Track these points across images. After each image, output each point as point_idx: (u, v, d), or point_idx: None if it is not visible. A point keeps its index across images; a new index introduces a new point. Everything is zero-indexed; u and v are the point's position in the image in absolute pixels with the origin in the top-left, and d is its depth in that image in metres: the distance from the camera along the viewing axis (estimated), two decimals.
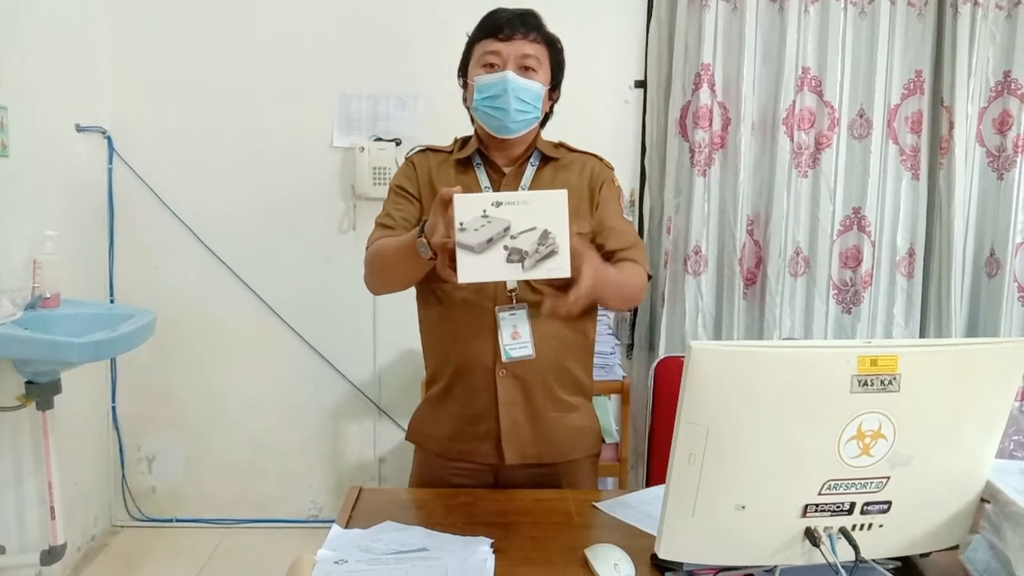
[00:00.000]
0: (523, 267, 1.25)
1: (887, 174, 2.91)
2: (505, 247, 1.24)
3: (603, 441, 1.72)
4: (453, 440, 1.59)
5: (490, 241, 1.23)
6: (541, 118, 1.60)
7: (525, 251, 1.24)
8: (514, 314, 1.50)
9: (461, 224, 1.23)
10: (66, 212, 2.71)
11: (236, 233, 3.01)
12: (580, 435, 1.63)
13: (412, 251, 1.36)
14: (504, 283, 1.49)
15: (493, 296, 1.51)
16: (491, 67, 1.53)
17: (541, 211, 1.25)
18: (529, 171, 1.59)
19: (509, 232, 1.24)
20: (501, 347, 1.49)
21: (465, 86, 1.61)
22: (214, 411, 3.10)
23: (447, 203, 1.25)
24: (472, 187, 1.55)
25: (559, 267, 1.25)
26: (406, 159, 1.67)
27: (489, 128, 1.56)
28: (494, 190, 1.55)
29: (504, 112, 1.51)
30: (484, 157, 1.60)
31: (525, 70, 1.53)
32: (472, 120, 1.63)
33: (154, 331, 2.42)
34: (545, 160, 1.61)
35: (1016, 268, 2.86)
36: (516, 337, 1.49)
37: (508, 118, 1.52)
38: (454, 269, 1.25)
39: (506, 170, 1.60)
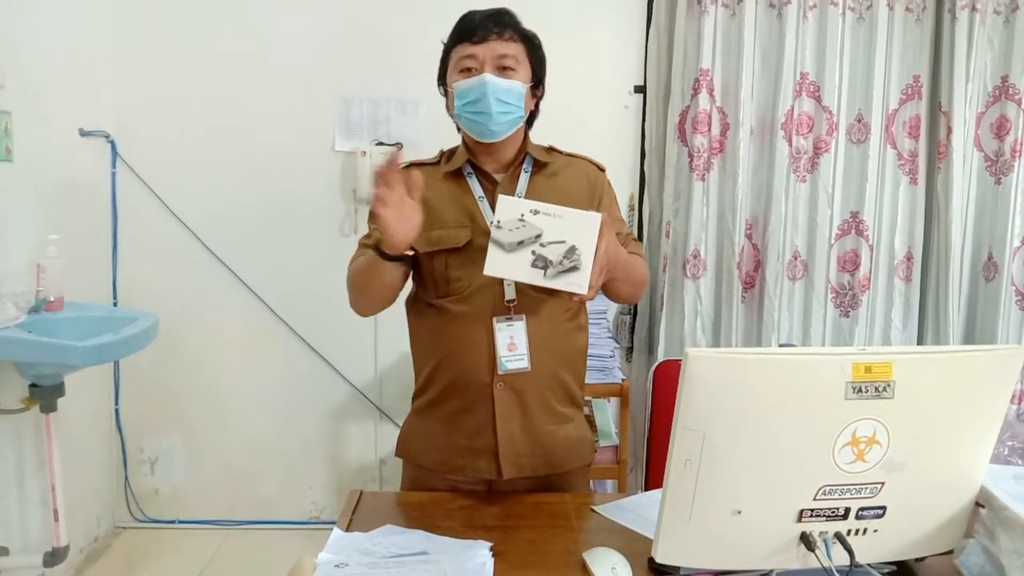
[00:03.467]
0: (545, 274, 1.32)
1: (885, 179, 2.92)
2: (533, 252, 1.32)
3: (595, 450, 1.70)
4: (448, 454, 1.55)
5: (520, 243, 1.32)
6: (526, 117, 1.56)
7: (550, 260, 1.32)
8: (511, 325, 1.48)
9: (498, 222, 1.32)
10: (69, 216, 2.72)
11: (238, 236, 3.02)
12: (574, 446, 1.61)
13: (372, 258, 1.43)
14: (502, 293, 1.49)
15: (491, 306, 1.48)
16: (468, 71, 1.50)
17: (574, 228, 1.32)
18: (523, 178, 1.55)
19: (540, 240, 1.31)
20: (497, 358, 1.48)
21: (446, 94, 1.57)
22: (216, 413, 3.12)
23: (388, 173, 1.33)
24: (465, 198, 1.53)
25: (578, 283, 1.32)
26: None
27: (473, 133, 1.53)
28: (488, 200, 1.52)
29: (486, 116, 1.48)
30: (475, 167, 1.57)
31: (503, 70, 1.50)
32: (459, 129, 1.60)
33: (157, 334, 2.43)
34: (537, 165, 1.58)
35: (1014, 272, 2.87)
36: (512, 349, 1.48)
37: (490, 121, 1.48)
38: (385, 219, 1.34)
39: (498, 177, 1.56)
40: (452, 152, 1.61)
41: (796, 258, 2.95)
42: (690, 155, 2.89)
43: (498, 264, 1.32)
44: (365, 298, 1.55)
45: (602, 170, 1.65)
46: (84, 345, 2.10)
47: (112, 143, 2.95)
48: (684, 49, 2.87)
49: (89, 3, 2.82)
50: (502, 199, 1.35)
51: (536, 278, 1.32)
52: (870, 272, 2.95)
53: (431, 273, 1.53)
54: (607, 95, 3.00)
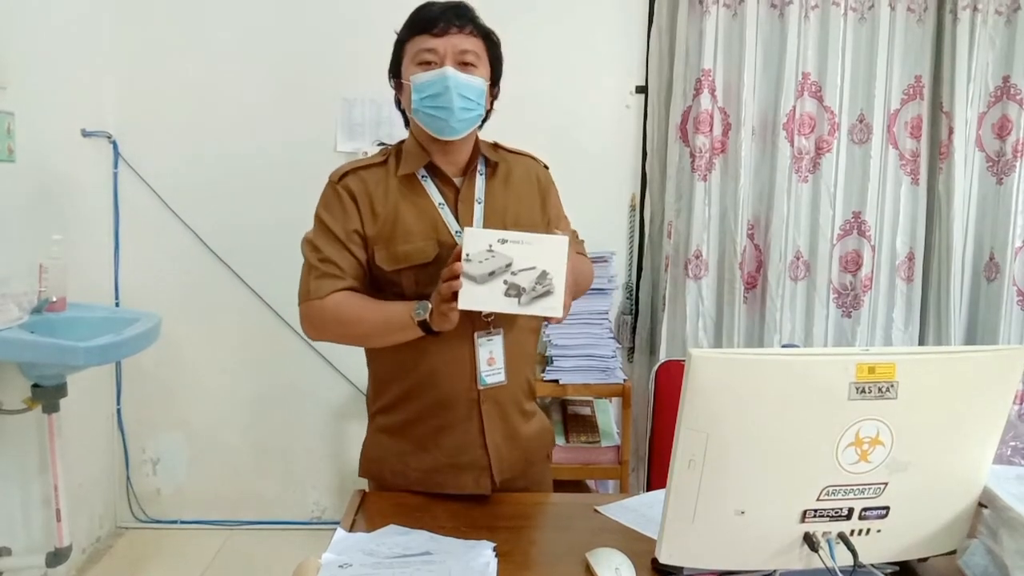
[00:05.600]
0: (519, 302, 1.33)
1: (887, 179, 2.92)
2: (505, 281, 1.32)
3: (554, 440, 1.75)
4: (427, 473, 1.51)
5: (492, 274, 1.31)
6: (484, 117, 1.51)
7: (523, 287, 1.32)
8: (491, 340, 1.48)
9: (467, 255, 1.31)
10: (72, 216, 2.72)
11: (240, 236, 3.02)
12: (540, 437, 1.64)
13: (405, 325, 1.40)
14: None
15: (471, 323, 1.45)
16: (428, 64, 1.44)
17: (543, 253, 1.33)
18: (479, 181, 1.52)
19: (511, 268, 1.32)
20: (477, 374, 1.47)
21: (399, 88, 1.51)
22: (217, 413, 3.12)
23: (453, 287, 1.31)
24: (426, 205, 1.48)
25: (552, 307, 1.33)
26: (334, 187, 1.51)
27: (432, 130, 1.46)
28: (449, 206, 1.49)
29: (447, 111, 1.42)
30: (429, 168, 1.50)
31: (464, 65, 1.44)
32: (407, 124, 1.54)
33: (159, 334, 2.43)
34: (489, 165, 1.54)
35: (1015, 272, 2.87)
36: (491, 364, 1.49)
37: (452, 117, 1.42)
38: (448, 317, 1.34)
39: (456, 180, 1.51)
40: (399, 150, 1.54)
41: (798, 258, 2.95)
42: (692, 155, 2.89)
43: (471, 297, 1.32)
44: (354, 341, 1.52)
45: (546, 167, 1.65)
46: (87, 346, 2.10)
47: (114, 143, 2.95)
48: (686, 49, 2.87)
49: (91, 4, 2.82)
50: (468, 232, 1.33)
51: (511, 307, 1.33)
52: (872, 272, 2.95)
53: (399, 291, 1.47)
54: (609, 95, 3.00)
